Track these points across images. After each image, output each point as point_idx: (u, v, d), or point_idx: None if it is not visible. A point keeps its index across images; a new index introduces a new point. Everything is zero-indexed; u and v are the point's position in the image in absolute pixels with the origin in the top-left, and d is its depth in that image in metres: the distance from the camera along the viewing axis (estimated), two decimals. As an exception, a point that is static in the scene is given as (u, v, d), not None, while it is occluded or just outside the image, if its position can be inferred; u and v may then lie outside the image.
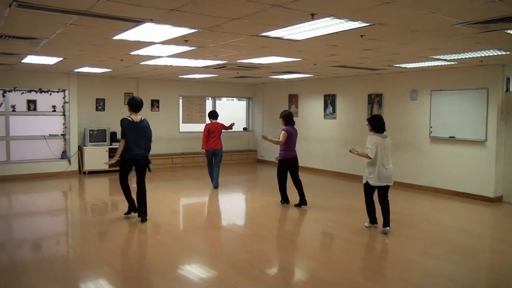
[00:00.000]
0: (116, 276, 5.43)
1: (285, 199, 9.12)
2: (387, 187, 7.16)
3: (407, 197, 10.18)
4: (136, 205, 7.88)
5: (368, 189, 7.22)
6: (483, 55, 7.99)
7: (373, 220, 7.39)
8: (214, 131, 10.77)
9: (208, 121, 11.23)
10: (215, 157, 10.87)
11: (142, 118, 7.83)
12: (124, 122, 7.60)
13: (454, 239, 7.07)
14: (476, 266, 6.05)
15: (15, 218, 8.62)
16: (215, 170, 10.94)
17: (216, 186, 10.93)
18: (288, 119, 8.94)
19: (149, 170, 7.92)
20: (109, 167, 12.43)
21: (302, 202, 8.93)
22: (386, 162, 7.03)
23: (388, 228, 7.09)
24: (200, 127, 15.54)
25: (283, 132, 8.81)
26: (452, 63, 9.24)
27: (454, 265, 5.89)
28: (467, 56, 8.20)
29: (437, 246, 6.84)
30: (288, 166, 8.92)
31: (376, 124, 7.12)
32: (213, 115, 11.06)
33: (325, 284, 5.23)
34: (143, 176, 7.84)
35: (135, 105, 7.79)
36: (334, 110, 13.34)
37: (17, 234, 7.42)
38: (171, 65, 10.34)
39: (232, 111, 17.85)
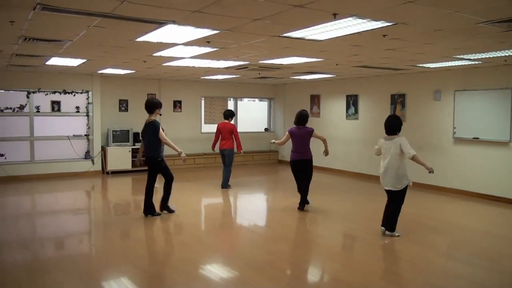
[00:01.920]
0: (138, 275, 5.48)
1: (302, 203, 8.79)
2: (391, 192, 6.86)
3: (430, 199, 10.06)
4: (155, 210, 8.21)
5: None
6: (507, 54, 7.87)
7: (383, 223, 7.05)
8: (223, 131, 10.76)
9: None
10: (223, 157, 10.88)
11: (151, 120, 7.96)
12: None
13: (478, 242, 6.96)
14: (500, 270, 5.95)
15: (39, 216, 8.75)
16: (224, 170, 10.97)
17: (223, 187, 10.93)
18: (295, 119, 8.73)
19: (163, 174, 8.08)
20: (132, 166, 12.66)
21: (302, 204, 8.74)
22: (385, 165, 6.80)
23: (388, 232, 6.90)
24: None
25: (286, 133, 8.78)
26: (476, 62, 9.12)
27: (478, 269, 5.80)
28: (491, 56, 8.08)
29: (460, 249, 6.75)
30: (293, 168, 8.73)
31: (384, 125, 6.93)
32: (225, 114, 11.02)
33: (347, 286, 5.21)
34: (154, 176, 8.09)
35: (145, 106, 8.09)
36: (356, 111, 13.26)
37: (41, 233, 7.53)
38: (193, 66, 10.39)
39: (253, 112, 17.87)
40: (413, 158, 6.69)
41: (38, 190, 11.02)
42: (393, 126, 6.82)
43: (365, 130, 12.97)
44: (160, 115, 8.20)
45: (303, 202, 8.74)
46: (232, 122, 11.01)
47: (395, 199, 6.85)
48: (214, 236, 7.43)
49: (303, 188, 8.73)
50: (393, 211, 6.88)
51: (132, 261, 5.94)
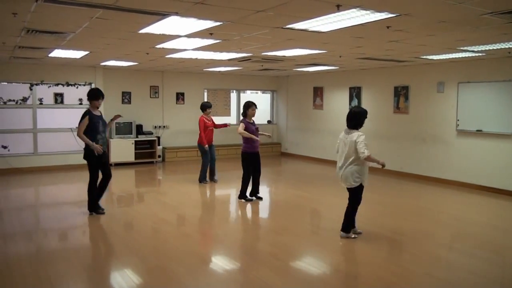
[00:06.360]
0: (141, 266, 5.49)
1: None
2: (348, 189, 6.71)
3: (432, 192, 10.06)
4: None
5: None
6: (511, 46, 7.84)
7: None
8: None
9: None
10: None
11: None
12: None
13: (480, 234, 6.97)
14: (502, 261, 5.96)
15: (42, 208, 8.79)
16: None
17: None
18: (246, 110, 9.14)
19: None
20: (135, 158, 12.66)
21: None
22: (340, 162, 6.70)
23: (343, 233, 6.55)
24: (224, 120, 15.59)
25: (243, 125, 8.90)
26: (480, 54, 9.08)
27: (480, 260, 5.82)
28: (494, 47, 8.04)
29: (463, 241, 6.76)
30: (251, 159, 8.84)
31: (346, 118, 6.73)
32: (201, 106, 10.87)
33: (350, 278, 5.22)
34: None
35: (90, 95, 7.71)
36: (359, 103, 13.22)
37: (44, 224, 7.57)
38: (196, 58, 10.37)
39: (256, 104, 17.80)
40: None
41: (41, 182, 11.05)
42: (351, 118, 6.97)
43: (368, 123, 12.78)
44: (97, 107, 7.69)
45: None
46: (206, 115, 10.82)
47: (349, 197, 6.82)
48: (216, 228, 7.44)
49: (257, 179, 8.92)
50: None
51: (135, 252, 5.96)
